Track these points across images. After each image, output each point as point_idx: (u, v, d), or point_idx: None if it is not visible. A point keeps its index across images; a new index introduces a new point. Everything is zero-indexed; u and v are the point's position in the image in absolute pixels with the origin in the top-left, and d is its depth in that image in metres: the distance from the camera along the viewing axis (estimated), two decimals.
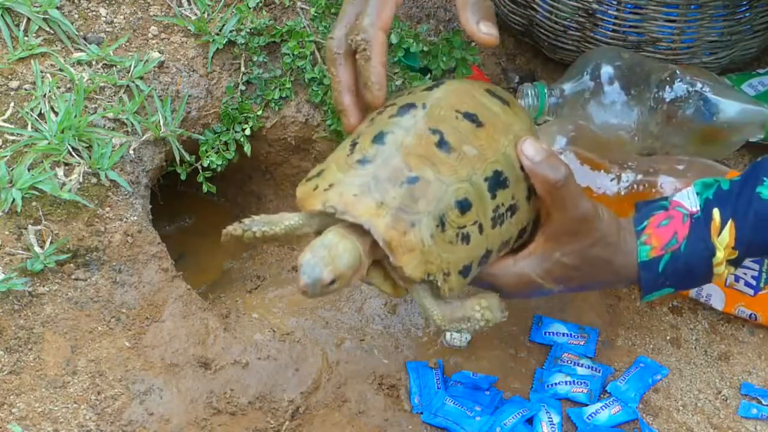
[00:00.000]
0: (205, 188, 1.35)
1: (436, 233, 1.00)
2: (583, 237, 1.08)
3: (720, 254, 1.07)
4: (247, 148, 1.36)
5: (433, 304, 1.04)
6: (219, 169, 1.35)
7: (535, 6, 1.48)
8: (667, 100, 1.35)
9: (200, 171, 1.35)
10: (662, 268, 1.08)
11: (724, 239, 1.07)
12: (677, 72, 1.36)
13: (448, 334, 1.26)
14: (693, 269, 1.09)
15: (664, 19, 1.44)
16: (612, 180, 1.27)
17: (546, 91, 1.40)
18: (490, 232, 1.04)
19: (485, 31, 1.11)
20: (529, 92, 1.41)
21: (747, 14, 1.46)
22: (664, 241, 1.08)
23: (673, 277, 1.09)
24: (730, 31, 1.46)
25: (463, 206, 1.02)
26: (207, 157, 1.34)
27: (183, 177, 1.35)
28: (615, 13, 1.44)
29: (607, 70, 1.37)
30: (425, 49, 1.36)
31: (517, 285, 1.09)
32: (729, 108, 1.34)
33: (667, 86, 1.35)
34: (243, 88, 1.36)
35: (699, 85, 1.35)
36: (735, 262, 1.09)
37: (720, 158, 1.38)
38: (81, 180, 1.23)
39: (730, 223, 1.07)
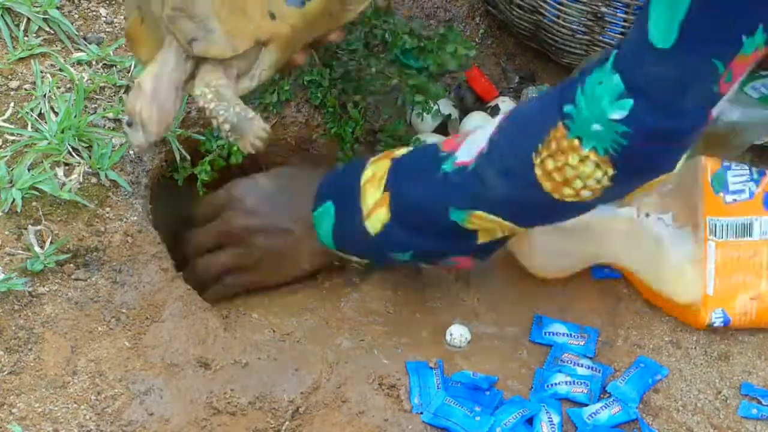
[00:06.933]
0: (203, 189, 1.35)
1: None
2: None
3: (368, 172, 1.18)
4: None
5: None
6: (219, 168, 1.35)
7: (542, 11, 1.47)
8: None
9: (200, 171, 1.35)
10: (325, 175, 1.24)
11: (379, 166, 1.19)
12: None
13: (448, 335, 1.26)
14: (344, 176, 1.22)
15: None
16: None
17: None
18: None
19: None
20: (533, 96, 1.41)
21: None
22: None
23: (328, 183, 1.23)
24: None
25: None
26: (207, 156, 1.34)
27: (183, 177, 1.35)
28: (623, 15, 1.43)
29: None
30: (420, 44, 1.35)
31: None
32: (732, 111, 1.34)
33: None
34: None
35: None
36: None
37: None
38: (81, 180, 1.23)
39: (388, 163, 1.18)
